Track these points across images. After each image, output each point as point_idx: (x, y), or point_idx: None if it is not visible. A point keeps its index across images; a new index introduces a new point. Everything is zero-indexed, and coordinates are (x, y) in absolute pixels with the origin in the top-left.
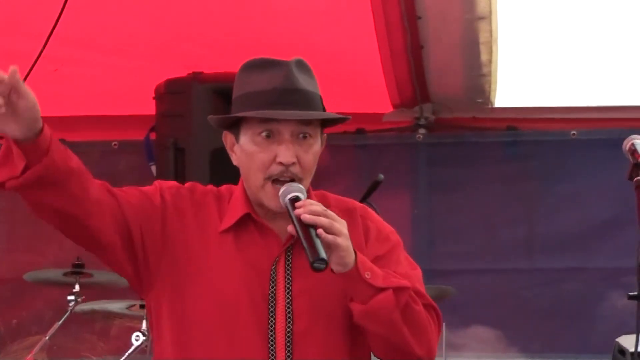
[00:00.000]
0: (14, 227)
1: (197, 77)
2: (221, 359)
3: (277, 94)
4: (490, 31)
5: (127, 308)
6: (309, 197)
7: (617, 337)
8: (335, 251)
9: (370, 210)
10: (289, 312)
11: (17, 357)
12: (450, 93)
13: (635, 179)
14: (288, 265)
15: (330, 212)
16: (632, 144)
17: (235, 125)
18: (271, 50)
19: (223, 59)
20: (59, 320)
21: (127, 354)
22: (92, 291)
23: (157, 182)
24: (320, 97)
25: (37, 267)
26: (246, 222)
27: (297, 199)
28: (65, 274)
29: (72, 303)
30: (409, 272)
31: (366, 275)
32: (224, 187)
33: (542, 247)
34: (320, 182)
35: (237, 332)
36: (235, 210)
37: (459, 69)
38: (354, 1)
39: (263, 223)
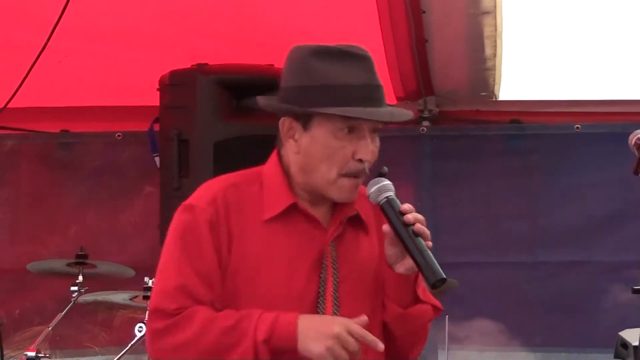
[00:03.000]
0: (17, 217)
1: (201, 69)
2: None
3: (365, 91)
4: (495, 25)
5: (130, 299)
6: None
7: (620, 331)
8: None
9: None
10: (335, 298)
11: (19, 348)
12: (454, 86)
13: None
14: (334, 252)
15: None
16: (638, 138)
17: (304, 114)
18: (275, 43)
19: (227, 51)
20: (62, 311)
21: (130, 345)
22: (95, 282)
23: (190, 211)
24: None
25: (40, 258)
26: (291, 210)
27: (393, 200)
28: (68, 265)
29: (75, 294)
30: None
31: (416, 283)
32: (250, 173)
33: (545, 241)
34: None
35: None
36: (278, 199)
37: (463, 62)
38: None
39: (308, 212)
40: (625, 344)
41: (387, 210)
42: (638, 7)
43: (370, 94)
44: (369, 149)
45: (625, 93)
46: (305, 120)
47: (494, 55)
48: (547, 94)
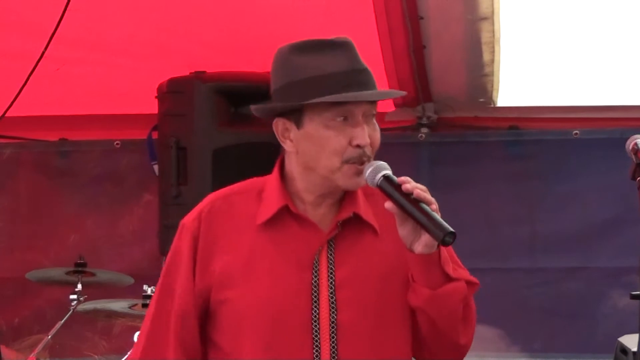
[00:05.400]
0: (16, 226)
1: (199, 77)
2: (266, 352)
3: (350, 76)
4: (493, 31)
5: (129, 307)
6: None
7: (619, 337)
8: None
9: None
10: (332, 303)
11: (19, 356)
12: (452, 92)
13: (638, 178)
14: (330, 255)
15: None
16: (636, 144)
17: (295, 111)
18: (273, 51)
19: (225, 59)
20: (61, 319)
21: (129, 353)
22: (94, 290)
23: (179, 231)
24: None
25: (40, 266)
26: (283, 214)
27: (390, 177)
28: (67, 273)
29: (75, 302)
30: (461, 270)
31: (443, 262)
32: (248, 182)
33: (544, 246)
34: None
35: (281, 325)
36: (271, 203)
37: (461, 68)
38: (357, 1)
39: (301, 215)
40: (624, 350)
41: (385, 188)
42: (636, 12)
43: (355, 79)
44: (364, 133)
45: (623, 99)
46: (296, 118)
47: (492, 61)
48: (545, 100)
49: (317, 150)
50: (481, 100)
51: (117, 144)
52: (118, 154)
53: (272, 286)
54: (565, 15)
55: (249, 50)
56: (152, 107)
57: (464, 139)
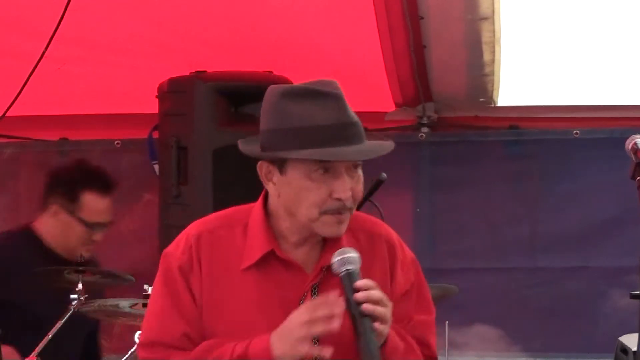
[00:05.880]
0: (16, 224)
1: (200, 76)
2: None
3: (336, 130)
4: (493, 31)
5: (130, 306)
6: None
7: (619, 336)
8: (378, 337)
9: (392, 232)
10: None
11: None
12: (452, 92)
13: (637, 177)
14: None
15: (384, 297)
16: (635, 143)
17: (279, 158)
18: (274, 50)
19: (226, 58)
20: (62, 319)
21: (130, 352)
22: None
23: (166, 262)
24: None
25: None
26: (269, 258)
27: (353, 274)
28: (68, 272)
29: (75, 302)
30: (425, 320)
31: (388, 354)
32: (234, 214)
33: (544, 246)
34: None
35: None
36: (257, 246)
37: (461, 68)
38: (357, 1)
39: (287, 259)
40: (624, 349)
41: (344, 284)
42: (636, 12)
43: (342, 133)
44: (345, 187)
45: (624, 98)
46: (280, 163)
47: (493, 61)
48: (545, 100)
49: (297, 199)
50: (481, 99)
51: (117, 143)
52: (118, 153)
53: (256, 332)
54: (565, 15)
55: (249, 49)
56: (152, 106)
57: (464, 139)
